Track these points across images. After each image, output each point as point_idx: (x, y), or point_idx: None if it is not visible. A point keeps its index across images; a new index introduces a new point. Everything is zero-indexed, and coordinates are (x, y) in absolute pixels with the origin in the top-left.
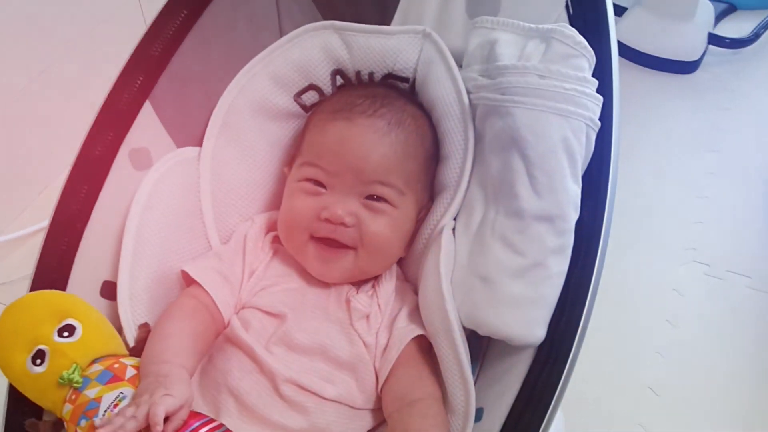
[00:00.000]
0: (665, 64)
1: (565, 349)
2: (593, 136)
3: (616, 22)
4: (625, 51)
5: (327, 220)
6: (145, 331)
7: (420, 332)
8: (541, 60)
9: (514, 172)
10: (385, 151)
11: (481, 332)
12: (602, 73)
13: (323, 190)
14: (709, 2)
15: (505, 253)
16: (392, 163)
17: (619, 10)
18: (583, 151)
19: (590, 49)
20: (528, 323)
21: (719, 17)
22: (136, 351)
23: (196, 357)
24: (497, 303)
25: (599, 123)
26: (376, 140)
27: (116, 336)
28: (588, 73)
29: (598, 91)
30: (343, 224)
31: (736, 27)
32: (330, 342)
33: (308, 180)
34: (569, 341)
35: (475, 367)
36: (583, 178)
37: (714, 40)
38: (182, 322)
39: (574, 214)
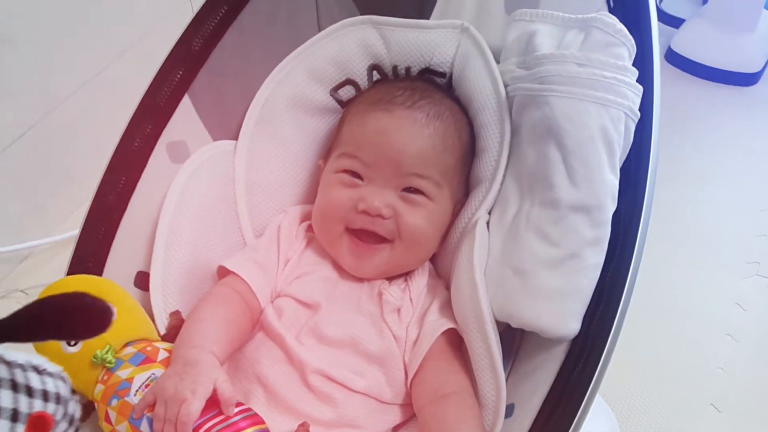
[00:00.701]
0: (725, 76)
1: (600, 344)
2: (632, 127)
3: (674, 34)
4: (684, 62)
5: (364, 212)
6: (176, 318)
7: (451, 326)
8: (581, 48)
9: (550, 162)
10: (424, 144)
11: (513, 324)
12: (643, 64)
13: (360, 182)
14: None
15: (539, 244)
16: (430, 155)
17: (677, 22)
18: (621, 141)
19: (631, 38)
20: (562, 315)
21: None
22: (168, 339)
23: (228, 343)
24: (530, 294)
25: (639, 113)
26: (415, 132)
27: (149, 322)
28: (628, 62)
29: (638, 81)
30: (381, 216)
31: None
32: (360, 335)
33: (345, 171)
34: (604, 336)
35: (508, 362)
36: (621, 170)
37: None
38: (216, 308)
39: (611, 206)
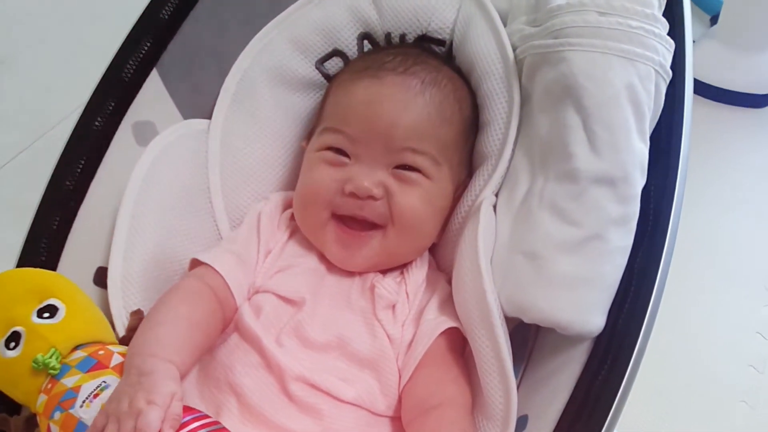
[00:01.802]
0: (736, 97)
1: (629, 344)
2: (663, 88)
3: None
4: (694, 84)
5: (352, 194)
6: (137, 318)
7: (451, 324)
8: None
9: (568, 128)
10: (418, 114)
11: (526, 319)
12: (672, 17)
13: (347, 160)
14: None
15: (555, 223)
16: (426, 127)
17: None
18: (651, 103)
19: None
20: (583, 307)
21: None
22: (126, 341)
23: (192, 350)
24: (546, 282)
25: (671, 72)
26: (407, 101)
27: (104, 322)
28: (658, 12)
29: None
30: (371, 197)
31: None
32: (349, 334)
33: (330, 149)
34: (634, 334)
35: (519, 367)
36: (652, 138)
37: None
38: (179, 308)
39: (640, 178)
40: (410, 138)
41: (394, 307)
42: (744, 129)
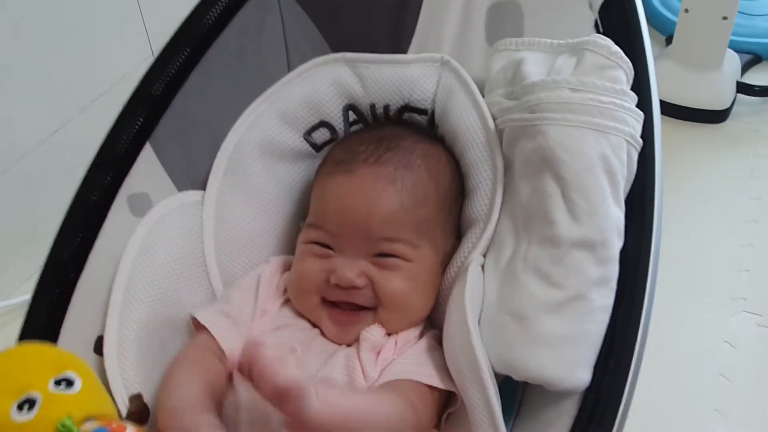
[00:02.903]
0: (694, 114)
1: (616, 397)
2: (635, 156)
3: None
4: None
5: (337, 285)
6: (137, 403)
7: (423, 380)
8: (573, 73)
9: (547, 196)
10: (390, 204)
11: (515, 376)
12: (639, 88)
13: (331, 252)
14: (734, 53)
15: (539, 285)
16: (398, 215)
17: None
18: (624, 171)
19: (627, 59)
20: (569, 365)
21: (745, 68)
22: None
23: (213, 405)
24: (532, 342)
25: (641, 141)
26: (378, 191)
27: (109, 399)
28: (626, 86)
29: (637, 107)
30: (354, 287)
31: (762, 77)
32: (332, 375)
33: (314, 243)
34: (619, 387)
35: (509, 421)
36: (626, 200)
37: (743, 88)
38: (192, 369)
39: (618, 241)
40: (384, 228)
41: (379, 352)
42: (704, 144)
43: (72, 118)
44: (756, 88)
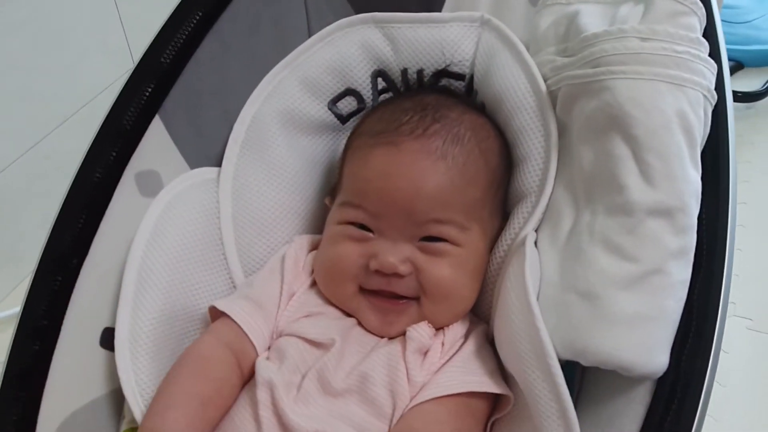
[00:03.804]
0: None
1: (697, 381)
2: (710, 112)
3: None
4: None
5: (378, 271)
6: None
7: (476, 388)
8: (642, 21)
9: (616, 159)
10: (440, 182)
11: (584, 362)
12: (707, 37)
13: (370, 235)
14: None
15: (610, 259)
16: (449, 195)
17: None
18: (701, 129)
19: (701, 4)
20: (648, 346)
21: None
22: None
23: (203, 428)
24: (606, 323)
25: (716, 95)
26: (427, 168)
27: None
28: (700, 35)
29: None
30: (397, 275)
31: (744, 84)
32: (370, 378)
33: (351, 223)
34: (701, 370)
35: None
36: None
37: None
38: (190, 385)
39: (696, 207)
40: (433, 209)
41: (426, 353)
42: None
43: (53, 130)
44: (739, 95)
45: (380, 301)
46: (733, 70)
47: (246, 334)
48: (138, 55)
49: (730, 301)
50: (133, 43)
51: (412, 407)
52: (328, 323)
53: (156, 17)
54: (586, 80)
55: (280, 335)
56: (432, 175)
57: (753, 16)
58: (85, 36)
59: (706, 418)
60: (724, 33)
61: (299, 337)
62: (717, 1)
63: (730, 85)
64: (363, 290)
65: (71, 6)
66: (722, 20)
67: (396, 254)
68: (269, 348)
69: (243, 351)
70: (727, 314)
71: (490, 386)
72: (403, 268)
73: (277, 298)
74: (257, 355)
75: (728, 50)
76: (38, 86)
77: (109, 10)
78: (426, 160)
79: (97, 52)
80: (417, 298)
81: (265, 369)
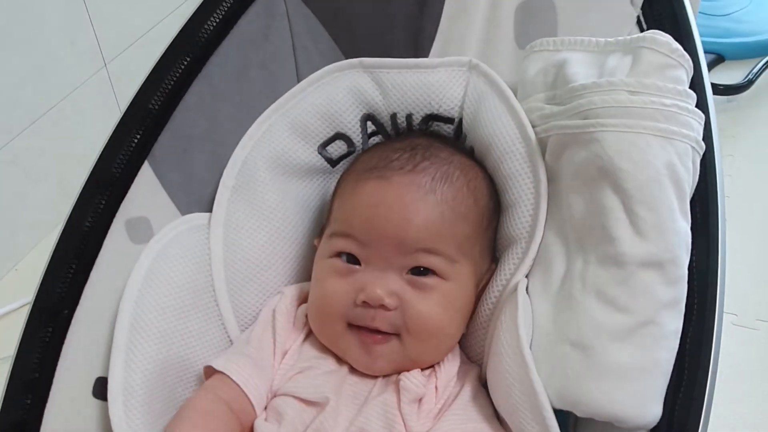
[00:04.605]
0: None
1: (691, 430)
2: (698, 162)
3: None
4: None
5: (365, 303)
6: None
7: None
8: (630, 74)
9: (607, 210)
10: (430, 214)
11: (579, 413)
12: (694, 88)
13: (357, 267)
14: None
15: (603, 310)
16: (439, 226)
17: None
18: (690, 180)
19: (688, 57)
20: (641, 398)
21: (708, 67)
22: None
23: None
24: (600, 374)
25: (704, 145)
26: (418, 200)
27: None
28: (687, 86)
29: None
30: (384, 307)
31: (725, 77)
32: (368, 429)
33: (339, 255)
34: (694, 420)
35: None
36: None
37: None
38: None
39: (686, 258)
40: (423, 238)
41: (420, 400)
42: None
43: (20, 132)
44: (720, 87)
45: (365, 335)
46: (714, 63)
47: (245, 393)
48: (109, 54)
49: None
50: (103, 42)
51: None
52: (322, 379)
53: (127, 15)
54: (576, 131)
55: (275, 395)
56: (422, 207)
57: (733, 9)
58: (53, 35)
59: None
60: (705, 26)
61: (294, 396)
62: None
63: (718, 132)
64: (351, 327)
65: (38, 4)
66: (702, 13)
67: (383, 286)
68: (265, 408)
69: (243, 410)
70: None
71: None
72: (389, 301)
73: (271, 358)
74: (256, 415)
75: (709, 43)
76: (5, 87)
77: (77, 7)
78: (416, 193)
79: (65, 52)
80: (397, 336)
81: (266, 429)
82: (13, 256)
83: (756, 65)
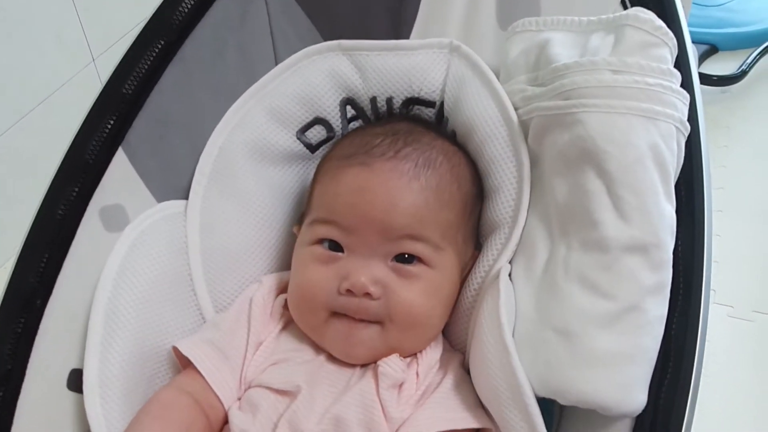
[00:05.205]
0: None
1: (677, 419)
2: (683, 143)
3: None
4: None
5: (348, 291)
6: None
7: (458, 426)
8: (613, 53)
9: (590, 194)
10: (415, 200)
11: (562, 401)
12: (679, 67)
13: (341, 255)
14: (691, 44)
15: (587, 296)
16: (424, 213)
17: None
18: (675, 162)
19: (672, 35)
20: (626, 385)
21: (701, 58)
22: None
23: None
24: (583, 361)
25: (689, 126)
26: (402, 186)
27: None
28: (672, 66)
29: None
30: (368, 295)
31: (719, 67)
32: (347, 417)
33: (321, 242)
34: (680, 407)
35: None
36: None
37: (701, 79)
38: (152, 426)
39: (671, 242)
40: (409, 224)
41: (401, 386)
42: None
43: (6, 129)
44: (714, 78)
45: (344, 323)
46: (708, 54)
47: (210, 387)
48: (97, 49)
49: (710, 288)
50: (91, 37)
51: None
52: (294, 369)
53: (115, 9)
54: (558, 112)
55: (249, 386)
56: (407, 194)
57: None
58: (39, 29)
59: None
60: (698, 16)
61: (267, 387)
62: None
63: (703, 112)
64: (333, 315)
65: None
66: (696, 3)
67: (368, 274)
68: (239, 399)
69: (208, 402)
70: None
71: (472, 422)
72: (375, 290)
73: (243, 350)
74: (224, 408)
75: (702, 34)
76: None
77: (64, 1)
78: (399, 180)
79: (52, 47)
80: (380, 323)
81: (240, 420)
82: (1, 254)
83: (749, 56)
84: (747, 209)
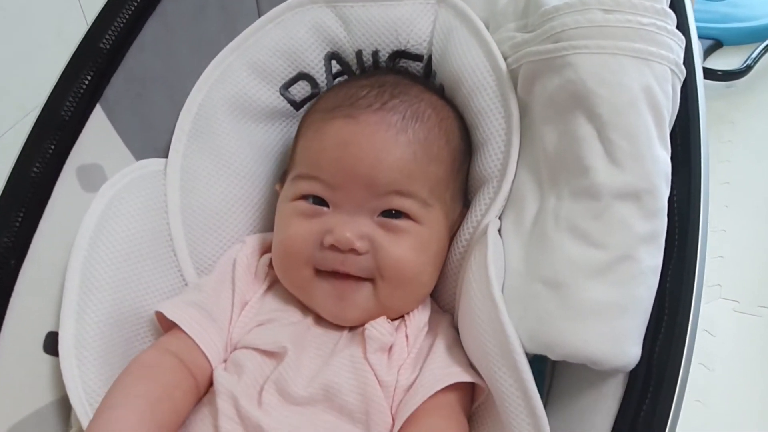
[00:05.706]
0: None
1: (672, 372)
2: (678, 87)
3: None
4: None
5: (333, 247)
6: None
7: (459, 378)
8: None
9: (580, 139)
10: (403, 153)
11: (553, 356)
12: (673, 8)
13: (325, 209)
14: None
15: (577, 246)
16: (412, 167)
17: None
18: (670, 106)
19: None
20: (619, 338)
21: (706, 53)
22: None
23: (154, 429)
24: (574, 314)
25: (685, 70)
26: (389, 139)
27: None
28: (666, 6)
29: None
30: (354, 251)
31: (723, 62)
32: (336, 383)
33: (305, 197)
34: (675, 360)
35: None
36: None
37: (705, 73)
38: (134, 387)
39: (665, 189)
40: (396, 179)
41: (390, 349)
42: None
43: (11, 127)
44: (719, 73)
45: (335, 281)
46: (712, 49)
47: (198, 346)
48: None
49: (716, 283)
50: None
51: (408, 423)
52: (280, 330)
53: None
54: (548, 56)
55: (235, 347)
56: (394, 147)
57: None
58: (41, 23)
59: (694, 402)
60: (703, 11)
61: (253, 348)
62: None
63: (701, 60)
64: (319, 273)
65: None
66: None
67: (353, 229)
68: (225, 361)
69: (195, 362)
70: (714, 297)
71: (473, 376)
72: (360, 245)
73: (229, 310)
74: (211, 368)
75: (707, 28)
76: None
77: None
78: (386, 132)
79: (53, 41)
80: (371, 281)
81: (225, 379)
82: None
83: (754, 50)
84: (752, 204)
